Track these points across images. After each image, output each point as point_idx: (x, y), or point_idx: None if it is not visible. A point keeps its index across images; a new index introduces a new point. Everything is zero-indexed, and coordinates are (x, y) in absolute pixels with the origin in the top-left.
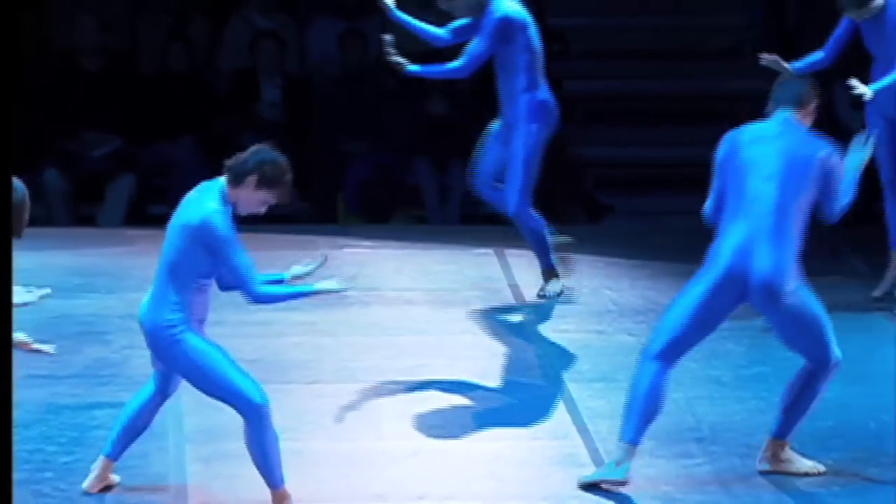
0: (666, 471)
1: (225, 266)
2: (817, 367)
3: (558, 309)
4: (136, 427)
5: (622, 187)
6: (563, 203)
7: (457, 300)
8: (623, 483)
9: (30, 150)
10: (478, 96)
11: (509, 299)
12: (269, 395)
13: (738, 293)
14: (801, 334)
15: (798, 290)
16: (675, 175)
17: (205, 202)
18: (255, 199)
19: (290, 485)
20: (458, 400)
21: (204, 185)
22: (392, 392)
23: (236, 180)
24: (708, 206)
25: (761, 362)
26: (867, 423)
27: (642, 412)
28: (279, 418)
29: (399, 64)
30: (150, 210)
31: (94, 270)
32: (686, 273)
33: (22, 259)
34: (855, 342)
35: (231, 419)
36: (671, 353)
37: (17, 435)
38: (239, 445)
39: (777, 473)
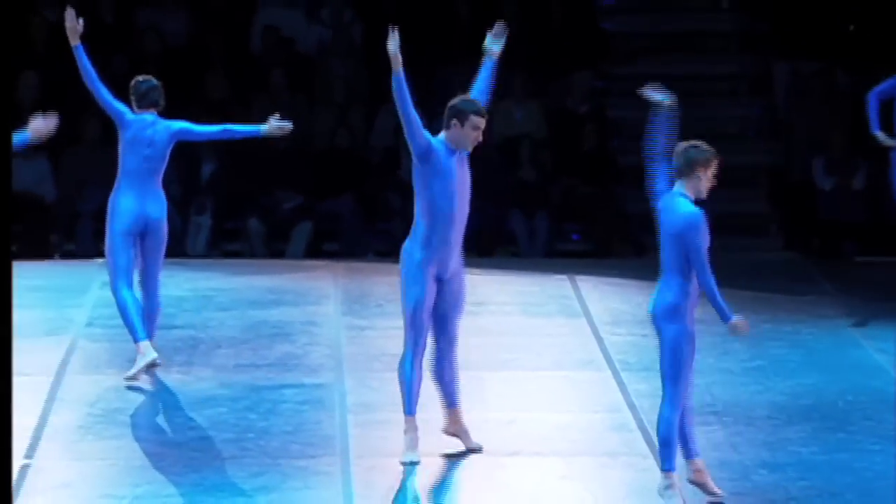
0: None
1: None
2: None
3: (613, 319)
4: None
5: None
6: (617, 243)
7: (540, 312)
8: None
9: (238, 204)
10: (558, 166)
11: (578, 313)
12: None
13: None
14: None
15: None
16: None
17: None
18: None
19: (421, 444)
20: (541, 383)
21: None
22: (493, 377)
23: None
24: None
25: (759, 357)
26: (836, 402)
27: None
28: None
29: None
30: (323, 247)
31: (283, 290)
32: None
33: (231, 281)
34: (826, 343)
35: (381, 396)
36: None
37: (228, 406)
38: (386, 415)
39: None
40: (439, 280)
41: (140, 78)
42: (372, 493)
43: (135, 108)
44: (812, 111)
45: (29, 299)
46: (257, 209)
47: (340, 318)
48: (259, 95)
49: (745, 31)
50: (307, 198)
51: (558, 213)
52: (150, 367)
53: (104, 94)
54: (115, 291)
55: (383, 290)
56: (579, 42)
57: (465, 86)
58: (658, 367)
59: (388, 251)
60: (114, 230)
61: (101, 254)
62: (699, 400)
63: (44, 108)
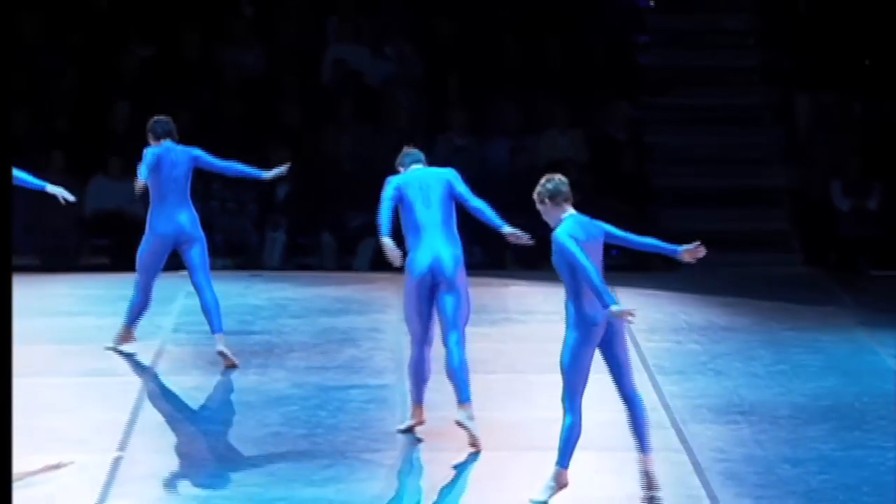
0: (719, 433)
1: None
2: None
3: (649, 327)
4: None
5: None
6: (652, 258)
7: None
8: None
9: (310, 221)
10: (598, 187)
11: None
12: None
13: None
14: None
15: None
16: (726, 241)
17: None
18: None
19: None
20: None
21: None
22: (540, 380)
23: None
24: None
25: (782, 362)
26: (853, 404)
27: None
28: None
29: None
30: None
31: (350, 299)
32: (731, 304)
33: (303, 291)
34: (844, 349)
35: (438, 395)
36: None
37: (300, 405)
38: (443, 413)
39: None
40: None
41: (154, 118)
42: (430, 483)
43: (153, 142)
44: (830, 138)
45: (121, 308)
46: (328, 226)
47: (402, 325)
48: (329, 123)
49: (769, 65)
50: (371, 215)
51: None
52: (229, 368)
53: (144, 169)
54: (136, 285)
55: None
56: (618, 75)
57: (516, 114)
58: (689, 368)
59: None
60: (147, 244)
61: (183, 267)
62: (727, 400)
63: (135, 135)
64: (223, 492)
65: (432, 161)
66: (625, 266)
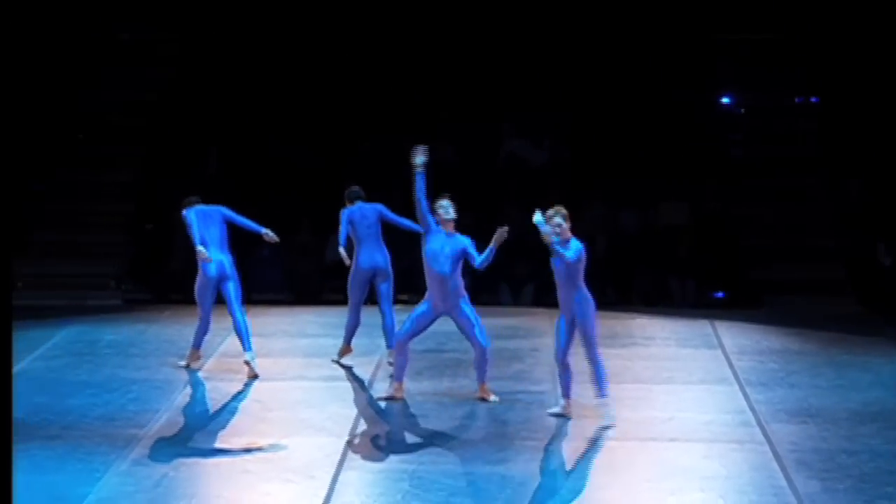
0: (793, 430)
1: None
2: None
3: (739, 350)
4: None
5: (767, 293)
6: (741, 298)
7: (689, 345)
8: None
9: (491, 269)
10: (700, 246)
11: (716, 345)
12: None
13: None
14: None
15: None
16: (797, 287)
17: None
18: None
19: (603, 432)
20: (690, 392)
21: None
22: (658, 388)
23: None
24: None
25: (840, 378)
26: None
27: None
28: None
29: None
30: (543, 300)
31: (516, 327)
32: (801, 334)
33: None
34: (888, 369)
35: (581, 399)
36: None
37: (479, 404)
38: (580, 411)
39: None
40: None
41: (350, 188)
42: (574, 463)
43: (349, 204)
44: (875, 209)
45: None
46: (501, 273)
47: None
48: (502, 198)
49: (829, 155)
50: (535, 267)
51: (701, 278)
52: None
53: (343, 228)
54: (349, 309)
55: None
56: (717, 162)
57: (641, 190)
58: (770, 381)
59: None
60: (353, 278)
61: (396, 301)
62: (798, 406)
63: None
64: (425, 466)
65: (579, 226)
66: (720, 304)
